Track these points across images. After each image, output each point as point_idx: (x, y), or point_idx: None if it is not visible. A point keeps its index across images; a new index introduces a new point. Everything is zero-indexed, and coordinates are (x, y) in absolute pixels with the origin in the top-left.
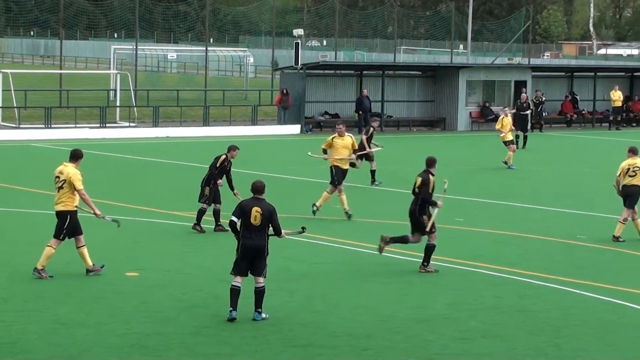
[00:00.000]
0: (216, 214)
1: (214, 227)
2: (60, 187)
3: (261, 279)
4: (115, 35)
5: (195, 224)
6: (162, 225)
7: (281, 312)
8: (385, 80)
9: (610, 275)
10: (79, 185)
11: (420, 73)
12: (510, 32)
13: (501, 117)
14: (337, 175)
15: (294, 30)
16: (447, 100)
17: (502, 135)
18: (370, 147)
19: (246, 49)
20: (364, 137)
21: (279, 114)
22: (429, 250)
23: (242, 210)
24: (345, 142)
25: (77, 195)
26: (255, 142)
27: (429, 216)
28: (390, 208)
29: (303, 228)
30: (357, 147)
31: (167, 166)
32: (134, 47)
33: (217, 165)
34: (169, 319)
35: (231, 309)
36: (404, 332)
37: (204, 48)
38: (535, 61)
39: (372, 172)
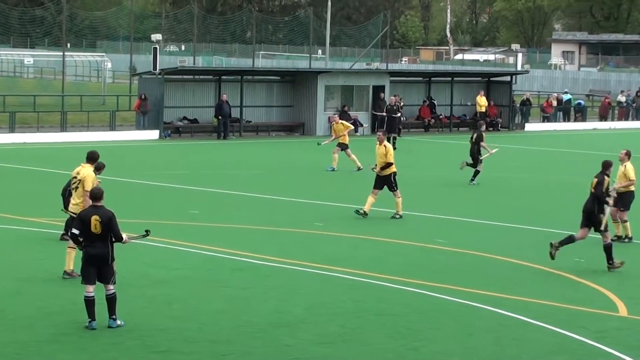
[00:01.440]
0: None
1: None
2: (76, 188)
3: (110, 286)
4: None
5: (63, 234)
6: (17, 231)
7: (140, 318)
8: (244, 86)
9: (468, 278)
10: (89, 187)
11: (279, 78)
12: (368, 38)
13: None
14: (375, 180)
15: (152, 35)
16: (306, 105)
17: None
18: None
19: (104, 54)
20: (483, 143)
21: (138, 119)
22: (608, 249)
23: (82, 221)
24: (379, 151)
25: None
26: (113, 148)
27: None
28: (245, 213)
29: (147, 231)
30: (390, 157)
31: (23, 172)
32: None
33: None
34: (26, 326)
35: (90, 319)
36: (264, 337)
37: (61, 53)
38: (393, 66)
39: (476, 172)
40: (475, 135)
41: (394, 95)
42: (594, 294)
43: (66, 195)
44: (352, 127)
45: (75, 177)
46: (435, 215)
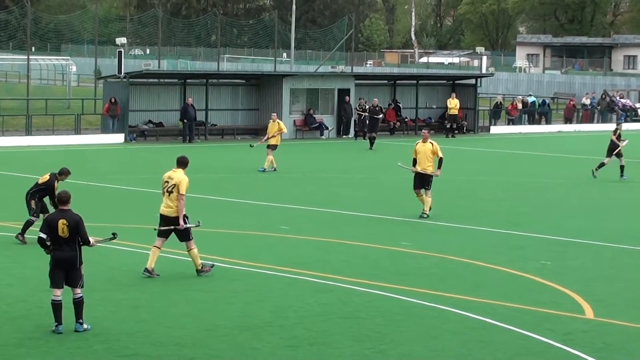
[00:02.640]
0: (29, 225)
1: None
2: (170, 192)
3: (78, 290)
4: None
5: (18, 234)
6: None
7: (107, 322)
8: (209, 89)
9: (434, 281)
10: (184, 190)
11: (244, 81)
12: (333, 41)
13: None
14: (415, 180)
15: (116, 39)
16: (271, 108)
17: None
18: (620, 144)
19: (69, 57)
20: (614, 137)
21: (107, 123)
22: None
23: (49, 225)
24: (424, 148)
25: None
26: (78, 151)
27: None
28: (211, 216)
29: (113, 234)
30: (439, 154)
31: None
32: None
33: (55, 188)
34: None
35: (56, 323)
36: (230, 341)
37: (26, 57)
38: (358, 69)
39: (621, 168)
40: (619, 132)
41: (360, 98)
42: (560, 296)
43: (28, 198)
44: (285, 130)
45: (167, 182)
46: (400, 218)
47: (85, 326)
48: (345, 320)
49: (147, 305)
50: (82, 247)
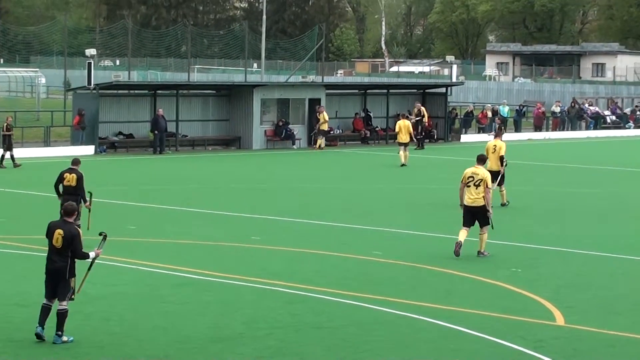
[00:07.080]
0: None
1: None
2: (477, 185)
3: (64, 303)
4: None
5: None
6: None
7: (77, 335)
8: (179, 100)
9: (405, 289)
10: (490, 184)
11: (214, 92)
12: (303, 51)
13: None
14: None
15: (86, 50)
16: (242, 119)
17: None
18: None
19: (37, 69)
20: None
21: (76, 135)
22: None
23: (48, 231)
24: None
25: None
26: (48, 164)
27: None
28: (182, 228)
29: (102, 234)
30: (502, 153)
31: None
32: None
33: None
34: None
35: (38, 325)
36: (203, 352)
37: None
38: (328, 79)
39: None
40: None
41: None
42: (531, 303)
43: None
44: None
45: (472, 177)
46: (371, 228)
47: (64, 338)
48: (318, 331)
49: (118, 318)
50: (76, 260)
